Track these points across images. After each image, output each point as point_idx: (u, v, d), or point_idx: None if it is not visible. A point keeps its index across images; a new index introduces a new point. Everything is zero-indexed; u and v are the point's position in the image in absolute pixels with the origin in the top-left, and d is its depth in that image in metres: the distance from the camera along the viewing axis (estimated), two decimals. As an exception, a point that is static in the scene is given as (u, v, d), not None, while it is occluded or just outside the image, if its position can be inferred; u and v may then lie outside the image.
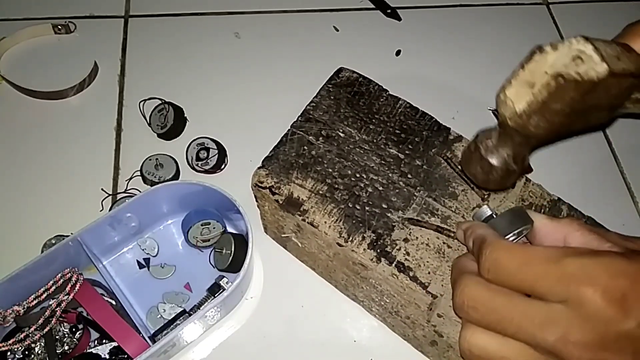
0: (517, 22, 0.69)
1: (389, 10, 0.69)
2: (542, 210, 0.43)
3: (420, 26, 0.68)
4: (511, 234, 0.37)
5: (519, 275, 0.30)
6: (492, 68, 0.64)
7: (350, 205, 0.43)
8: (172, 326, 0.45)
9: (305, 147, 0.46)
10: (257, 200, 0.47)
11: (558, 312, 0.28)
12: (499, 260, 0.31)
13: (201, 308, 0.44)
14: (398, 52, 0.66)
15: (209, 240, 0.49)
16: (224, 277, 0.47)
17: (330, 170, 0.44)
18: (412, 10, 0.69)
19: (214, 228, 0.49)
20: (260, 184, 0.44)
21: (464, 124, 0.48)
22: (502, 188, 0.44)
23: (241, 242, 0.47)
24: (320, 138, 0.46)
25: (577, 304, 0.27)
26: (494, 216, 0.39)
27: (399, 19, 0.69)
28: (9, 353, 0.43)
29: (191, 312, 0.46)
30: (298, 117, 0.47)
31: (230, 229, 0.50)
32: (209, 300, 0.46)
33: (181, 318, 0.46)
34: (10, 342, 0.42)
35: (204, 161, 0.55)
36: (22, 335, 0.43)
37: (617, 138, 0.61)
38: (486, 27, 0.69)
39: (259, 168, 0.45)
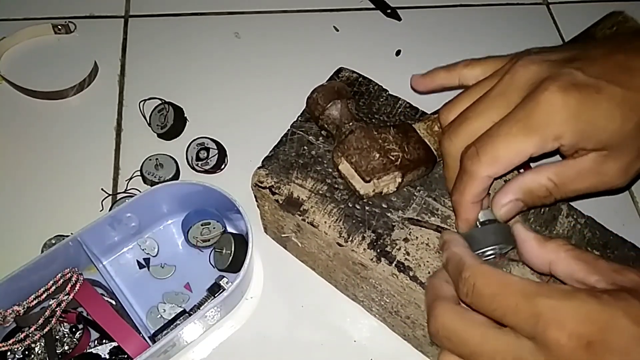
0: (517, 22, 0.69)
1: (389, 10, 0.69)
2: (542, 211, 0.43)
3: (420, 26, 0.68)
4: (488, 249, 0.37)
5: (492, 304, 0.30)
6: (492, 68, 0.64)
7: (350, 205, 0.43)
8: (172, 326, 0.45)
9: (305, 147, 0.46)
10: (257, 200, 0.47)
11: (527, 349, 0.29)
12: (476, 286, 0.31)
13: (201, 308, 0.44)
14: (398, 52, 0.66)
15: (209, 240, 0.49)
16: (224, 277, 0.47)
17: (330, 170, 0.44)
18: (412, 10, 0.69)
19: (214, 228, 0.49)
20: (260, 184, 0.44)
21: (464, 124, 0.47)
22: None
23: (241, 242, 0.47)
24: (320, 138, 0.46)
25: (543, 343, 0.28)
26: (477, 225, 0.38)
27: (399, 19, 0.69)
28: (9, 353, 0.43)
29: (191, 312, 0.46)
30: (298, 116, 0.47)
31: (230, 229, 0.50)
32: (209, 300, 0.46)
33: (181, 318, 0.46)
34: (10, 342, 0.42)
35: (204, 161, 0.55)
36: (22, 335, 0.43)
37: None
38: (486, 27, 0.69)
39: (259, 168, 0.45)
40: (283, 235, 0.48)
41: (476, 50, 0.67)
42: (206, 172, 0.55)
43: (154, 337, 0.45)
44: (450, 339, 0.32)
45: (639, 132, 0.34)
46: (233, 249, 0.47)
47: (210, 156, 0.55)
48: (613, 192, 0.38)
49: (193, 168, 0.55)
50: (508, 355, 0.29)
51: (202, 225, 0.49)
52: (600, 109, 0.34)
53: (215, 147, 0.56)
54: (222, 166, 0.56)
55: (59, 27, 0.64)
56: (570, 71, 0.34)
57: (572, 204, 0.43)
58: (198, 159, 0.55)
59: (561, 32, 0.68)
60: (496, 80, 0.37)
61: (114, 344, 0.44)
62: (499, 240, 0.37)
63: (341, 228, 0.42)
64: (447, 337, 0.32)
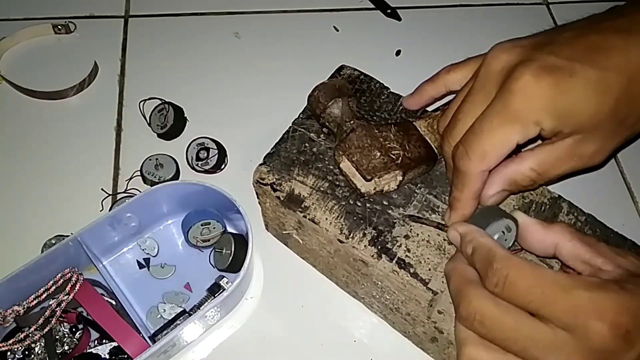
0: (517, 22, 0.69)
1: (389, 10, 0.69)
2: (543, 208, 0.43)
3: (420, 26, 0.68)
4: (495, 235, 0.37)
5: (528, 296, 0.30)
6: (492, 68, 0.64)
7: (352, 202, 0.43)
8: (172, 326, 0.45)
9: (307, 144, 0.46)
10: (258, 197, 0.47)
11: (563, 338, 0.29)
12: (509, 277, 0.31)
13: (201, 308, 0.44)
14: (398, 52, 0.66)
15: (209, 240, 0.49)
16: (224, 277, 0.47)
17: (331, 167, 0.44)
18: (412, 10, 0.69)
19: (214, 228, 0.49)
20: (261, 181, 0.44)
21: (464, 123, 0.48)
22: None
23: (241, 242, 0.47)
24: (322, 135, 0.46)
25: (583, 334, 0.29)
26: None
27: (399, 19, 0.69)
28: (9, 353, 0.43)
29: (191, 312, 0.46)
30: (299, 114, 0.47)
31: (230, 229, 0.50)
32: (209, 300, 0.46)
33: (181, 318, 0.46)
34: (10, 342, 0.42)
35: (204, 161, 0.55)
36: (22, 335, 0.43)
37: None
38: (486, 27, 0.69)
39: (260, 165, 0.45)
40: (284, 232, 0.48)
41: (476, 51, 0.67)
42: (206, 172, 0.55)
43: (154, 337, 0.45)
44: (484, 323, 0.31)
45: (613, 114, 0.34)
46: (233, 249, 0.47)
47: (210, 156, 0.55)
48: (592, 168, 0.39)
49: (193, 168, 0.55)
50: (543, 343, 0.30)
51: (202, 225, 0.49)
52: (575, 92, 0.33)
53: (215, 147, 0.56)
54: (222, 166, 0.56)
55: (59, 27, 0.64)
56: (541, 55, 0.34)
57: (572, 201, 0.44)
58: (198, 159, 0.55)
59: (561, 32, 0.68)
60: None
61: (114, 344, 0.44)
62: (500, 214, 0.37)
63: (342, 225, 0.42)
64: (481, 321, 0.31)
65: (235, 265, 0.46)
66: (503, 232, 0.38)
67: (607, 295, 0.29)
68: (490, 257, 0.33)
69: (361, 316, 0.49)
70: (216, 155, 0.55)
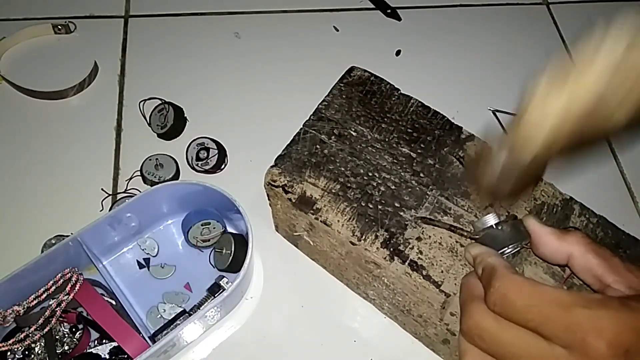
0: (517, 22, 0.69)
1: (389, 10, 0.69)
2: (555, 210, 0.43)
3: (420, 26, 0.68)
4: (508, 248, 0.37)
5: (526, 314, 0.30)
6: (492, 68, 0.64)
7: (363, 204, 0.43)
8: (172, 326, 0.45)
9: (318, 146, 0.46)
10: (269, 199, 0.47)
11: (561, 355, 0.29)
12: (507, 296, 0.31)
13: (201, 308, 0.44)
14: (398, 52, 0.66)
15: (209, 240, 0.49)
16: (224, 277, 0.47)
17: (342, 169, 0.44)
18: (412, 10, 0.69)
19: (214, 228, 0.49)
20: (273, 183, 0.44)
21: (464, 123, 0.48)
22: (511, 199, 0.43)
23: (241, 242, 0.47)
24: (333, 137, 0.46)
25: (582, 352, 0.28)
26: (493, 227, 0.38)
27: (399, 19, 0.69)
28: (9, 353, 0.43)
29: (191, 312, 0.46)
30: (310, 115, 0.47)
31: (230, 229, 0.50)
32: (209, 300, 0.46)
33: (181, 318, 0.46)
34: (10, 342, 0.42)
35: (204, 161, 0.55)
36: (22, 335, 0.43)
37: (618, 138, 0.61)
38: (486, 27, 0.69)
39: (271, 167, 0.45)
40: (295, 234, 0.48)
41: (476, 50, 0.68)
42: (206, 172, 0.55)
43: (154, 337, 0.45)
44: (484, 338, 0.32)
45: None
46: (233, 249, 0.47)
47: (210, 156, 0.55)
48: None
49: (193, 168, 0.55)
50: (541, 359, 0.29)
51: (202, 225, 0.49)
52: None
53: (215, 147, 0.56)
54: (222, 166, 0.56)
55: (59, 27, 0.64)
56: None
57: (584, 203, 0.43)
58: (198, 159, 0.55)
59: (561, 32, 0.68)
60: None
61: (114, 344, 0.44)
62: (515, 238, 0.37)
63: (354, 227, 0.42)
64: (480, 335, 0.32)
65: (235, 265, 0.46)
66: (517, 245, 0.37)
67: (607, 312, 0.28)
68: (491, 276, 0.33)
69: (361, 315, 0.49)
70: (216, 155, 0.55)
